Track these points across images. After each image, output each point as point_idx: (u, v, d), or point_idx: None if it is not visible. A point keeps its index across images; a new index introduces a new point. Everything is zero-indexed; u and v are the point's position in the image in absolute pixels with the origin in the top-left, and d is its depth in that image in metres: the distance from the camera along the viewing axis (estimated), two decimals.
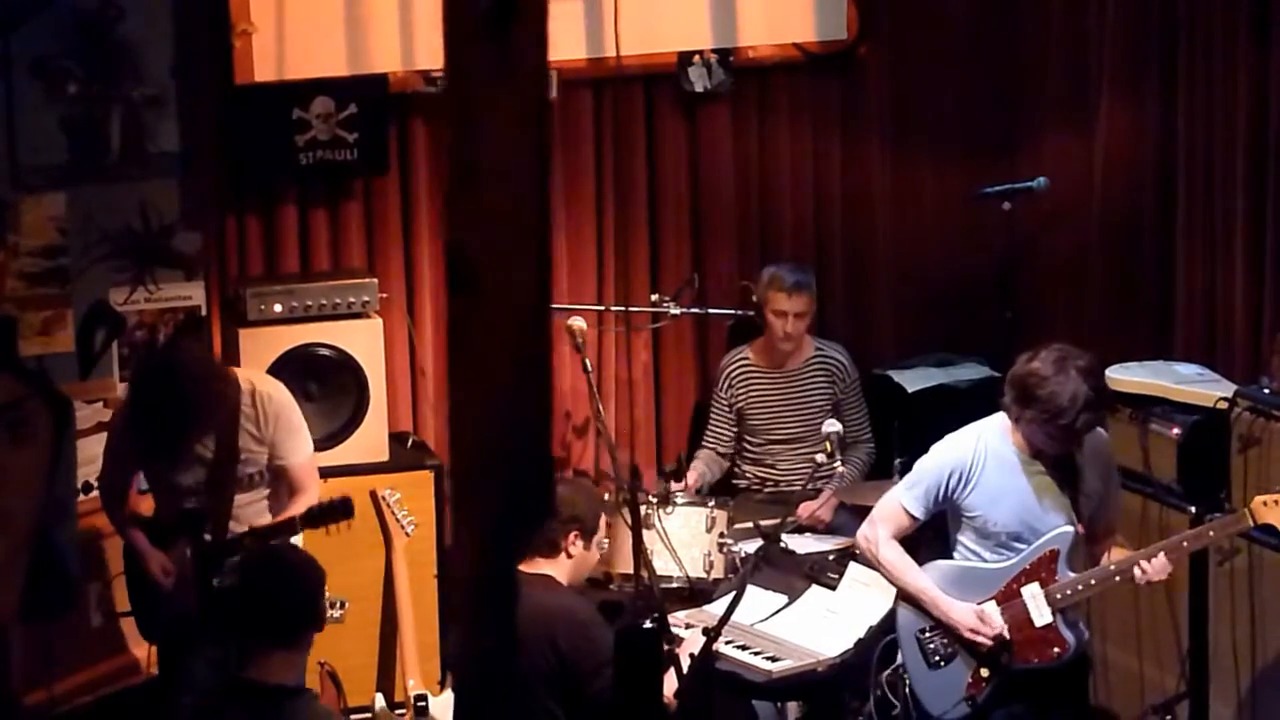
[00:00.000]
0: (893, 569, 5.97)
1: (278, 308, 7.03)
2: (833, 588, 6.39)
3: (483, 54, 2.09)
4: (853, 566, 6.45)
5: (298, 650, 4.85)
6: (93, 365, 7.05)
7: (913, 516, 5.95)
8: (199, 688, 6.05)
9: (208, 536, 6.16)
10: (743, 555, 6.82)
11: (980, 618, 5.86)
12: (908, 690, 6.09)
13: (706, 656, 5.68)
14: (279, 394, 6.34)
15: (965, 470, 5.88)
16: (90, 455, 6.60)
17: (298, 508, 6.28)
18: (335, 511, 6.27)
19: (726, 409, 7.70)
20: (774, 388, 7.65)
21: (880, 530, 5.98)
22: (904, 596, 5.99)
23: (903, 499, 5.97)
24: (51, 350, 6.96)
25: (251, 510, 6.28)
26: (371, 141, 7.39)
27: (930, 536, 6.20)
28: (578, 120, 7.72)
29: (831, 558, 6.74)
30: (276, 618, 4.78)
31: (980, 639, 5.86)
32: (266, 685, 4.74)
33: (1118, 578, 5.86)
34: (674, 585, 6.95)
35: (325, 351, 7.05)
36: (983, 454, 5.88)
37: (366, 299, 7.14)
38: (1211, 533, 5.98)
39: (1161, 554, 5.80)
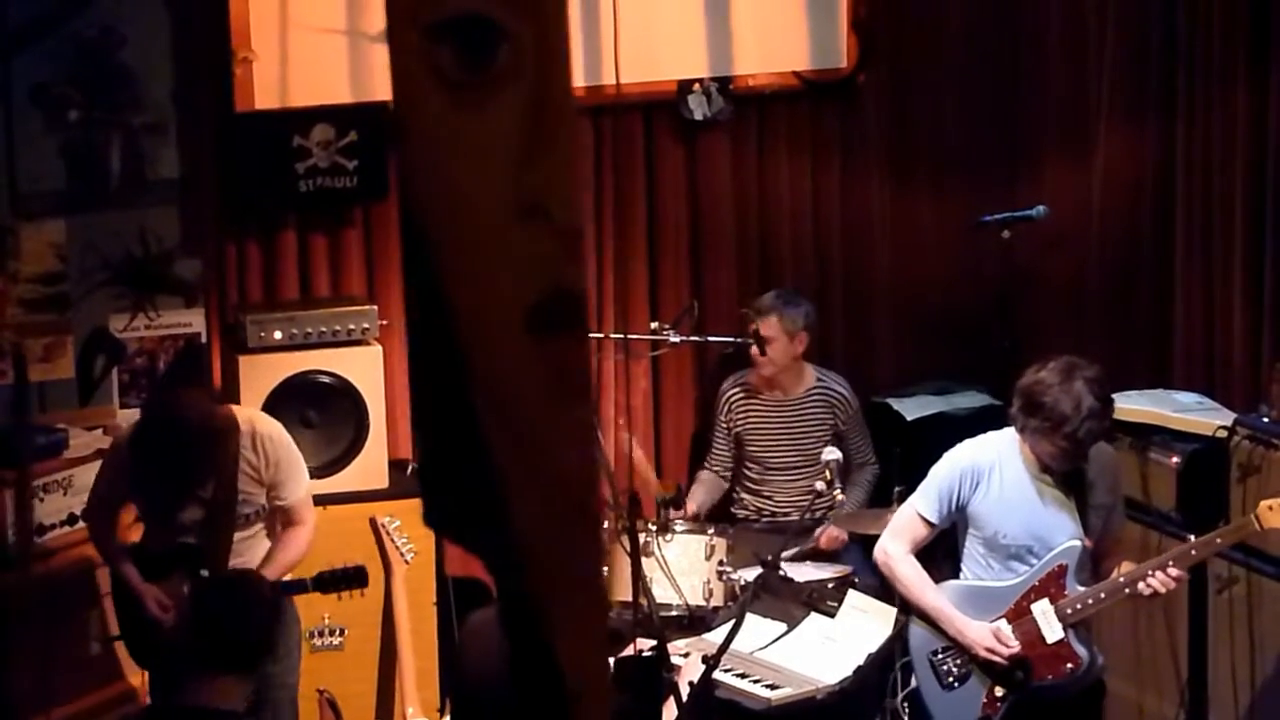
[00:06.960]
0: (910, 586, 5.96)
1: (278, 335, 7.03)
2: (831, 615, 6.39)
3: (441, 81, 1.75)
4: (851, 594, 6.45)
5: (248, 676, 4.75)
6: (93, 392, 7.05)
7: (929, 523, 5.95)
8: None
9: (205, 572, 6.13)
10: (742, 583, 6.81)
11: (996, 637, 5.86)
12: (907, 715, 6.08)
13: (706, 684, 5.68)
14: (278, 434, 6.33)
15: (977, 472, 5.88)
16: (87, 483, 6.59)
17: (298, 542, 6.29)
18: (350, 579, 6.30)
19: (726, 432, 7.70)
20: (773, 415, 7.64)
21: (898, 545, 5.97)
22: (919, 615, 5.98)
23: (917, 506, 5.98)
24: (52, 377, 6.97)
25: (248, 545, 6.26)
26: (371, 168, 7.39)
27: (940, 557, 6.20)
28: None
29: (830, 585, 6.74)
30: (235, 646, 4.68)
31: (996, 659, 5.85)
32: (213, 710, 4.61)
33: (1127, 590, 5.84)
34: (673, 613, 6.94)
35: (325, 378, 7.04)
36: (995, 460, 5.89)
37: (366, 326, 7.14)
38: (1219, 539, 5.97)
39: (1170, 565, 5.80)
